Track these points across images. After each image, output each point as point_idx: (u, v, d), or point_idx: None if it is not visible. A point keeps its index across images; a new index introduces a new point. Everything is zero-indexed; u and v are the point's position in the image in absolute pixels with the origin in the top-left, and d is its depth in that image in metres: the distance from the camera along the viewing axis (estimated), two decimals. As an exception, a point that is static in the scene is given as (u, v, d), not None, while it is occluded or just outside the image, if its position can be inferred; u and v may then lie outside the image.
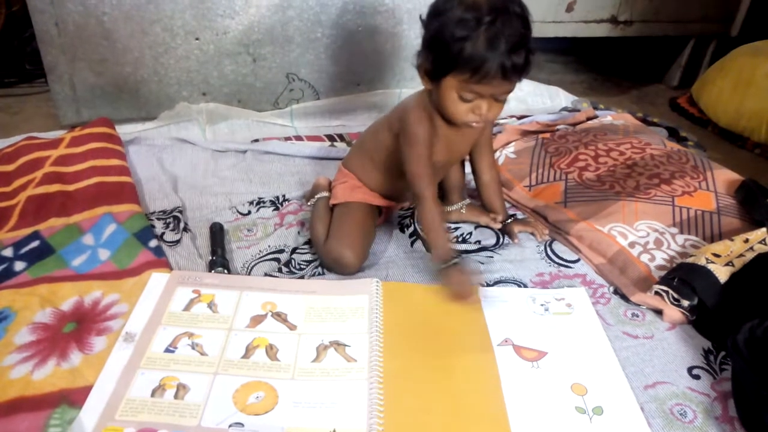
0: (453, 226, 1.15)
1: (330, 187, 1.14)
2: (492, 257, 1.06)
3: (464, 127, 0.94)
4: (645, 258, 1.01)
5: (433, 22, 0.86)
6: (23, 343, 0.81)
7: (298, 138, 1.56)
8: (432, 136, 0.96)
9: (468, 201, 1.17)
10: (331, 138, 1.57)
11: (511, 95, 0.89)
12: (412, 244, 1.10)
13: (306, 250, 1.06)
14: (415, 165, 0.95)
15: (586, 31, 2.09)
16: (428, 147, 0.95)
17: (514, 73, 0.83)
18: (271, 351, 0.82)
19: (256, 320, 0.88)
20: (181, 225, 1.10)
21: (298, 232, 1.12)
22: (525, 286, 0.99)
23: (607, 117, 1.57)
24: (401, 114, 0.99)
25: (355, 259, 0.98)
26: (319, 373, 0.79)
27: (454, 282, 0.91)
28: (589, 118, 1.58)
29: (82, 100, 1.55)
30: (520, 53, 0.82)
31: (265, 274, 1.00)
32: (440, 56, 0.85)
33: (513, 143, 1.42)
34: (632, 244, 1.03)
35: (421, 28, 0.90)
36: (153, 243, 1.02)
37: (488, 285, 0.98)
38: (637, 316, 0.93)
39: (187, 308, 0.89)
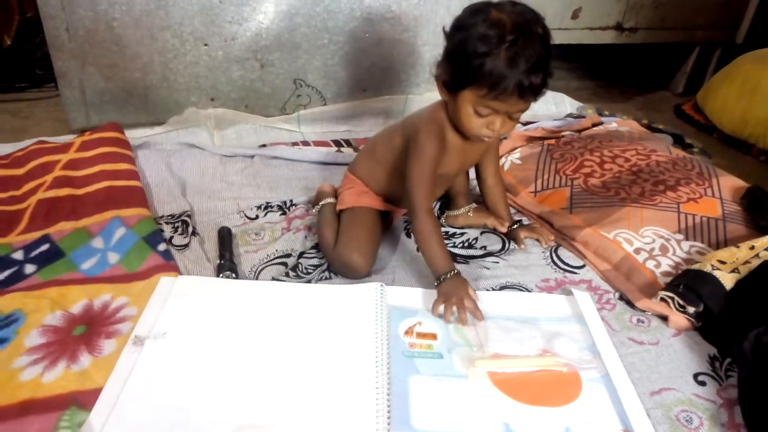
0: (459, 231, 1.16)
1: (335, 194, 1.15)
2: (498, 263, 1.07)
3: (477, 140, 0.95)
4: (650, 264, 1.01)
5: (456, 35, 0.87)
6: (33, 345, 0.81)
7: (306, 143, 1.57)
8: (440, 154, 0.96)
9: (474, 205, 1.18)
10: (337, 143, 1.58)
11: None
12: (418, 248, 1.10)
13: (313, 255, 1.07)
14: (417, 177, 0.95)
15: (592, 38, 2.10)
16: (434, 164, 0.96)
17: (530, 92, 0.84)
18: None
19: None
20: (190, 229, 1.11)
21: (305, 237, 1.12)
22: (530, 291, 0.99)
23: (612, 123, 1.57)
24: (414, 124, 0.99)
25: (365, 263, 0.99)
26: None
27: (450, 291, 0.90)
28: (594, 125, 1.58)
29: (91, 104, 1.57)
30: (539, 74, 0.83)
31: (273, 279, 1.00)
32: (460, 69, 0.86)
33: (518, 149, 1.42)
34: (638, 251, 1.03)
35: (434, 37, 0.91)
36: (162, 247, 1.03)
37: (493, 290, 0.99)
38: (643, 322, 0.93)
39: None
